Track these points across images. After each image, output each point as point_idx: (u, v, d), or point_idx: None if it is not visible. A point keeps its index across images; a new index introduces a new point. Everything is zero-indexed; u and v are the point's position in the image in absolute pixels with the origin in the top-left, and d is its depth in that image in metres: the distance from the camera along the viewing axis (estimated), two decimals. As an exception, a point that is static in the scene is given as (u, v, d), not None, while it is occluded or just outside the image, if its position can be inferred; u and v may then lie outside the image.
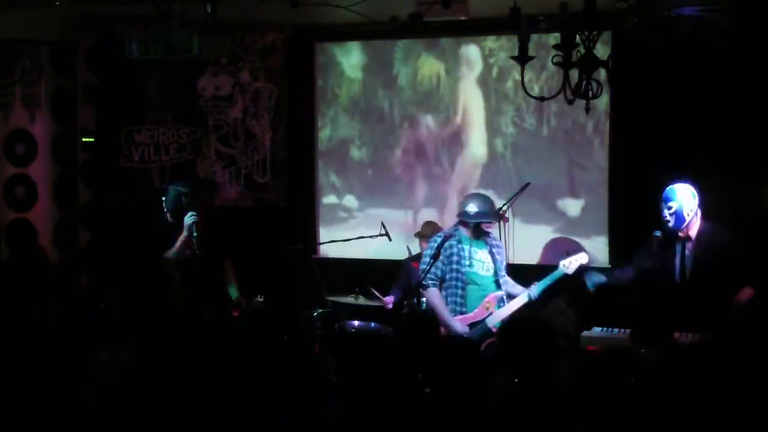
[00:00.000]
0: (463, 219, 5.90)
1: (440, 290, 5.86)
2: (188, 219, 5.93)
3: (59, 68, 7.93)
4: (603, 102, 6.96)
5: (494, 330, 5.71)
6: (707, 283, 5.38)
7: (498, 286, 5.92)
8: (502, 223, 6.68)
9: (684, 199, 5.50)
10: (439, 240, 5.87)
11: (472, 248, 5.88)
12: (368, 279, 6.97)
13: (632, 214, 6.60)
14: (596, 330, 5.65)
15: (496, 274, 5.91)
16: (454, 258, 5.82)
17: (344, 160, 7.80)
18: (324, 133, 7.84)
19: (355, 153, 7.77)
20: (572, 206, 7.17)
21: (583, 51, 4.30)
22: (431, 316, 6.02)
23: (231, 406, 3.70)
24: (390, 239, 6.72)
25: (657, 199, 5.63)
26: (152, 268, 6.10)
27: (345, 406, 3.84)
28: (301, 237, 7.09)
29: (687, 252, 5.55)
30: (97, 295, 7.51)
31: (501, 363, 3.63)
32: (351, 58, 7.72)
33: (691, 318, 5.21)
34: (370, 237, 6.81)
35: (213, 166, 7.89)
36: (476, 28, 7.25)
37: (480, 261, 5.89)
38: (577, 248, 6.40)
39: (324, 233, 7.64)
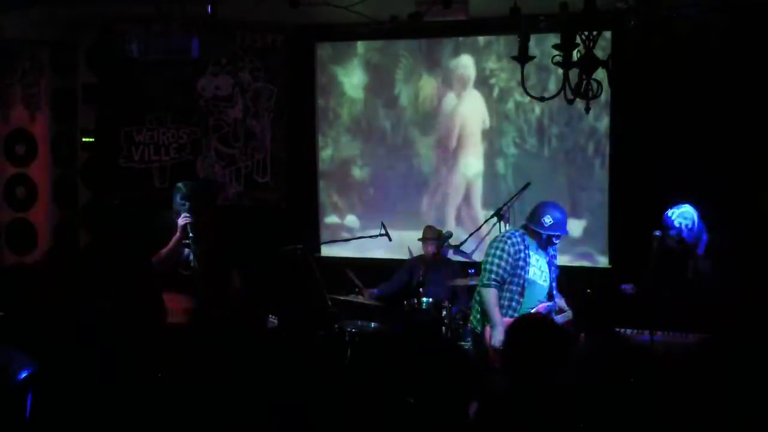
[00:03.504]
0: (536, 228, 5.64)
1: (500, 291, 5.66)
2: (181, 220, 5.90)
3: (59, 68, 7.93)
4: (603, 124, 7.01)
5: None
6: (716, 290, 5.36)
7: (551, 297, 5.71)
8: (502, 222, 6.68)
9: (684, 222, 5.48)
10: (508, 241, 5.65)
11: (536, 255, 5.67)
12: (369, 279, 7.00)
13: (633, 233, 6.61)
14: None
15: (551, 285, 5.72)
16: (520, 263, 5.60)
17: (346, 180, 7.85)
18: (326, 153, 7.89)
19: (357, 172, 7.81)
20: (574, 227, 7.18)
21: (583, 51, 4.30)
22: (435, 319, 6.05)
23: (231, 407, 3.70)
24: (390, 239, 6.73)
25: (658, 215, 5.63)
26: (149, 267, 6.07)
27: (345, 406, 3.83)
28: (301, 237, 7.09)
29: (693, 265, 5.55)
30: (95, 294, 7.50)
31: (507, 362, 3.62)
32: (352, 78, 7.75)
33: (698, 321, 5.23)
34: (370, 237, 6.82)
35: (213, 166, 7.90)
36: (476, 28, 7.26)
37: (540, 269, 5.68)
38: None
39: (325, 250, 7.62)
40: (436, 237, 6.73)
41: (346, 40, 7.75)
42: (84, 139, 8.02)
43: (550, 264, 5.74)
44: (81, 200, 8.10)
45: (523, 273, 5.60)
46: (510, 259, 5.59)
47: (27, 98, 7.82)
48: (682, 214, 5.49)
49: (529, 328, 3.62)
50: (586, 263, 7.12)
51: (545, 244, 5.67)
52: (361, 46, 7.75)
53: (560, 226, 5.64)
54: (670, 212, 5.54)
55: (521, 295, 5.61)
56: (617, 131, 7.01)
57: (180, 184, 5.98)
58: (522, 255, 5.61)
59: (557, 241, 5.72)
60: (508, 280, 5.61)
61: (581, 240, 7.18)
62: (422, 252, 6.96)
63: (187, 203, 5.77)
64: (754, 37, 6.23)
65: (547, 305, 5.66)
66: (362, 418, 3.68)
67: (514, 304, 5.61)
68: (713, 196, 6.26)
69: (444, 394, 3.79)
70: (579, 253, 7.18)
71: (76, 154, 8.07)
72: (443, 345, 5.36)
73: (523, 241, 5.64)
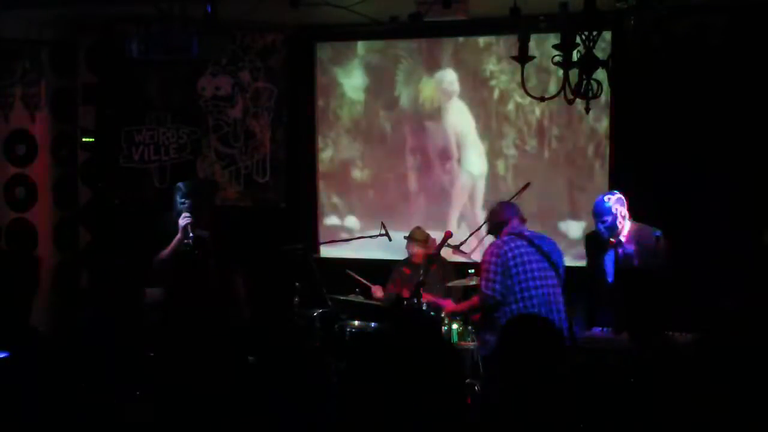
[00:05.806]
0: None
1: None
2: (182, 220, 5.89)
3: (59, 68, 7.93)
4: (603, 125, 7.01)
5: None
6: (635, 280, 5.39)
7: None
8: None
9: (617, 210, 5.51)
10: None
11: None
12: (368, 279, 7.00)
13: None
14: (596, 330, 5.65)
15: None
16: None
17: (346, 182, 7.85)
18: (325, 154, 7.88)
19: (357, 174, 7.81)
20: (573, 228, 7.21)
21: (583, 51, 4.30)
22: (431, 316, 6.07)
23: (233, 406, 3.70)
24: (390, 239, 6.73)
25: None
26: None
27: (345, 406, 3.83)
28: (301, 237, 7.09)
29: (620, 254, 5.58)
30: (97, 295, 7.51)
31: (502, 362, 3.62)
32: (353, 79, 7.75)
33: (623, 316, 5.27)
34: (370, 237, 6.82)
35: (213, 166, 7.89)
36: (476, 28, 7.26)
37: None
38: None
39: (324, 250, 7.61)
40: (423, 240, 6.76)
41: (346, 40, 7.75)
42: (84, 139, 8.01)
43: None
44: (81, 200, 8.10)
45: None
46: None
47: (27, 98, 7.82)
48: (619, 200, 5.52)
49: (517, 331, 3.64)
50: (585, 263, 7.10)
51: None
52: (361, 46, 7.74)
53: None
54: (606, 197, 5.56)
55: None
56: (617, 132, 7.00)
57: (180, 184, 5.98)
58: None
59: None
60: None
61: (581, 241, 7.17)
62: (406, 254, 6.98)
63: (187, 202, 5.77)
64: (754, 37, 6.24)
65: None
66: (362, 418, 3.68)
67: None
68: (713, 196, 6.27)
69: (443, 394, 3.79)
70: (578, 253, 7.16)
71: (76, 154, 8.07)
72: (442, 345, 5.36)
73: None
